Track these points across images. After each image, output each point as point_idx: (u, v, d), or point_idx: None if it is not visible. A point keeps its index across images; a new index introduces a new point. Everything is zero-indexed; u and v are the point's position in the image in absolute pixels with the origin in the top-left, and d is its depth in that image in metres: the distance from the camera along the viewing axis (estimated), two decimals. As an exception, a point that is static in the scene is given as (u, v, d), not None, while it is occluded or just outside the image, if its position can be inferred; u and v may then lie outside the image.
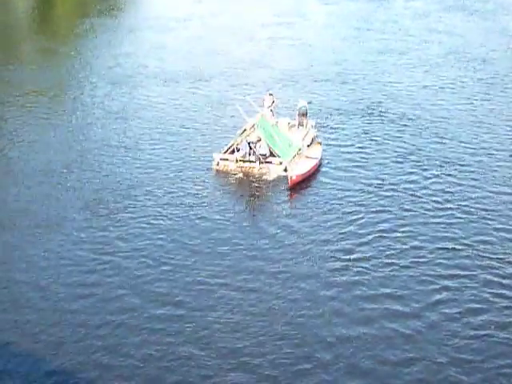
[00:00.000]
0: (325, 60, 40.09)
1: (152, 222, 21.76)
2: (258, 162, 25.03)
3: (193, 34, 45.80)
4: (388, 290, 18.44)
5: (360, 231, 21.28)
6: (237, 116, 27.65)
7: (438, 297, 18.17)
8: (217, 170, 25.30)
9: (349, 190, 23.84)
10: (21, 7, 56.01)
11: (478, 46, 43.11)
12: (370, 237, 20.94)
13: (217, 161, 25.48)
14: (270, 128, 25.95)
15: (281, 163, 25.00)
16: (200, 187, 23.95)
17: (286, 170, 24.75)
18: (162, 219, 21.90)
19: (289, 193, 23.79)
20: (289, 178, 23.82)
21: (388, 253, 20.11)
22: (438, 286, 18.61)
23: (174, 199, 23.14)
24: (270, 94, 28.71)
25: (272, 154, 25.30)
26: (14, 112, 31.29)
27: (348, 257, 19.89)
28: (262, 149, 25.08)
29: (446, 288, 18.56)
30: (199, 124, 29.97)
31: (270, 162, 25.14)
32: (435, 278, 18.94)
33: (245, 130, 25.54)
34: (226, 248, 20.36)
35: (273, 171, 24.90)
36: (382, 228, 21.49)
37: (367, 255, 20.00)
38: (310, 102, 30.12)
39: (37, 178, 24.75)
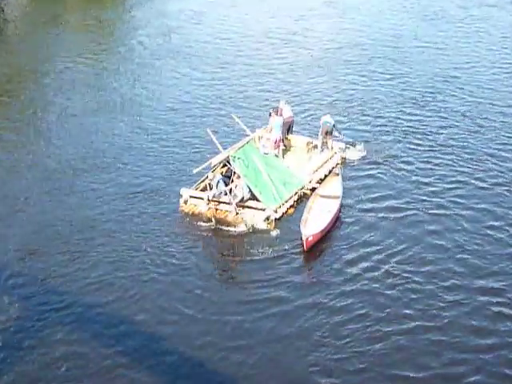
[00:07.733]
0: (370, 36, 33.28)
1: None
2: (234, 206, 18.69)
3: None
4: None
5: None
6: (244, 123, 21.41)
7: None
8: (184, 212, 19.07)
9: (375, 245, 17.54)
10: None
11: None
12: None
13: (185, 198, 19.27)
14: (256, 160, 19.38)
15: (264, 210, 18.60)
16: (159, 240, 17.76)
17: (268, 219, 18.32)
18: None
19: (270, 252, 17.16)
20: (303, 239, 17.10)
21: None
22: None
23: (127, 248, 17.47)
24: (278, 112, 21.63)
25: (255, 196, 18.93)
26: None
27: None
28: (237, 189, 18.69)
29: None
30: (193, 138, 23.32)
31: (251, 207, 18.74)
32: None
33: (214, 166, 19.27)
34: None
35: (252, 219, 18.36)
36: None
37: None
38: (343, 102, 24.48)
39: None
